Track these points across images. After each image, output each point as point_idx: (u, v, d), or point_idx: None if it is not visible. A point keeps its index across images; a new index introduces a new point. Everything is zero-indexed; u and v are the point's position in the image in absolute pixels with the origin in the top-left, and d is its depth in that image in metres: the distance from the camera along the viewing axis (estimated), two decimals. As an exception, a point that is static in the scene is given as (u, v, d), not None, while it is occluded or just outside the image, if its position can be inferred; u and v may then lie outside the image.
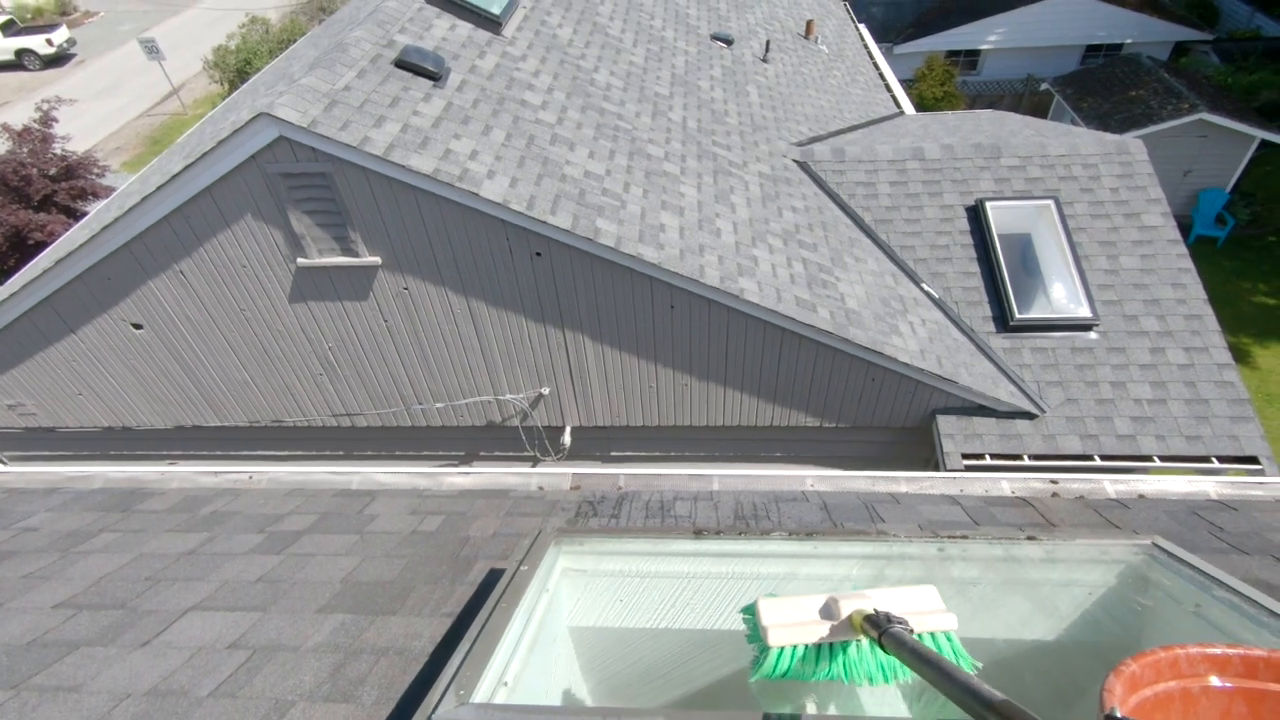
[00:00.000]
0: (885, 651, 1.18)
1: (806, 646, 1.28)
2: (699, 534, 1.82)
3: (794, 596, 1.36)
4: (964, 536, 1.76)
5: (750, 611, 1.41)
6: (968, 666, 1.25)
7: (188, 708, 1.51)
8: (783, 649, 1.27)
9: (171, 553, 2.30)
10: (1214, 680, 0.94)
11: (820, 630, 1.28)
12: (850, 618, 1.27)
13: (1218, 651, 0.95)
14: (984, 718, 0.88)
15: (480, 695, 1.22)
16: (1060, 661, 1.59)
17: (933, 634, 1.27)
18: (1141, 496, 2.70)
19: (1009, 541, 1.73)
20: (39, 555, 2.31)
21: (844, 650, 1.28)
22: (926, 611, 1.30)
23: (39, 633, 1.85)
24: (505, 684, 1.32)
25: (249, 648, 1.73)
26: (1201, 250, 13.71)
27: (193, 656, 1.70)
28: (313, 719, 1.46)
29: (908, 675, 1.25)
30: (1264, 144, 13.37)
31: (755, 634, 1.36)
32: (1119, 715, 0.80)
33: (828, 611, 1.30)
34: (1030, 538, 1.72)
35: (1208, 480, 2.78)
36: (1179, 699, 0.93)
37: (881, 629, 1.19)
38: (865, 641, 1.27)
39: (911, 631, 1.18)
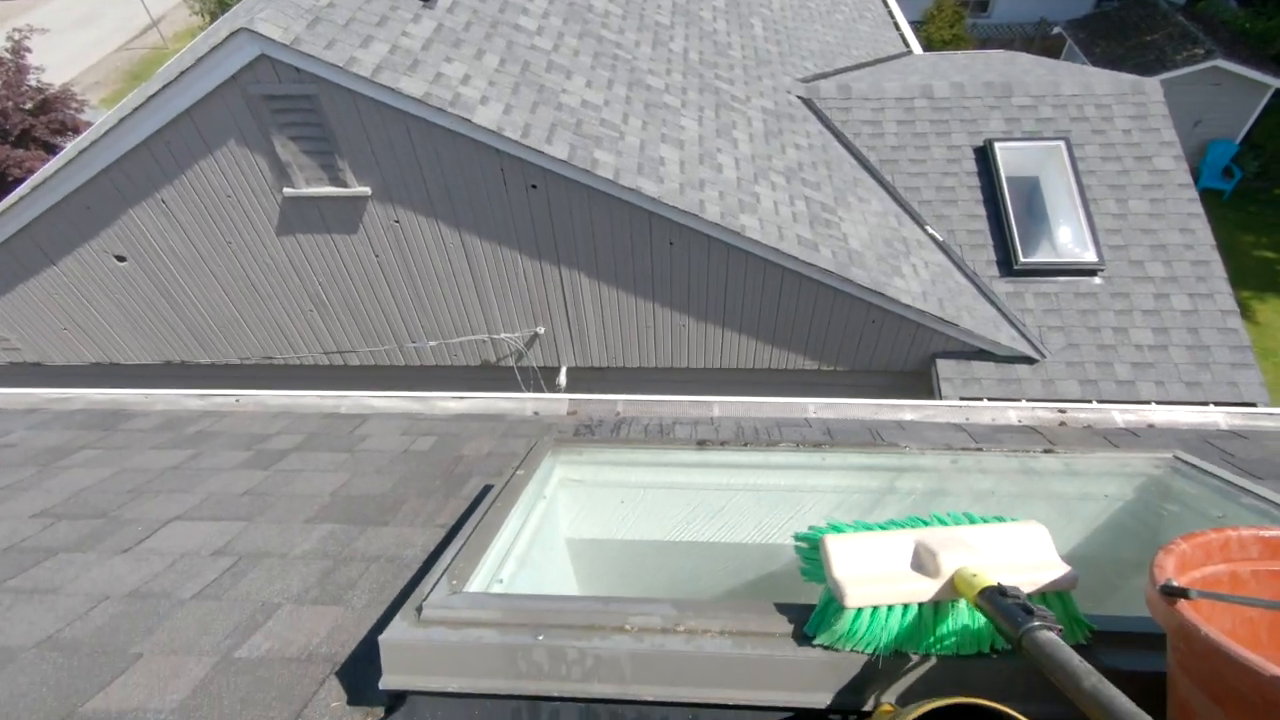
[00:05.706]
0: (1015, 647, 0.83)
1: (892, 608, 0.95)
2: (702, 445, 1.74)
3: (869, 535, 1.02)
4: (979, 449, 1.69)
5: (808, 541, 1.08)
6: (1081, 635, 1.01)
7: (169, 608, 1.45)
8: (861, 611, 0.95)
9: (155, 467, 2.23)
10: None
11: (911, 588, 0.95)
12: (954, 580, 0.94)
13: (1272, 534, 0.88)
14: None
15: (474, 587, 1.15)
16: (1086, 568, 1.55)
17: (1044, 595, 0.98)
18: (1151, 426, 2.65)
19: (1025, 454, 1.66)
20: (16, 469, 2.23)
21: (942, 618, 0.95)
22: (1038, 564, 1.00)
23: (15, 540, 1.78)
24: (500, 581, 1.26)
25: (234, 554, 1.67)
26: (1207, 203, 13.45)
27: (175, 562, 1.64)
28: (300, 620, 1.40)
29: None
30: (1277, 94, 13.03)
31: (816, 570, 1.05)
32: (1175, 584, 0.73)
33: (919, 562, 0.98)
34: (1047, 450, 1.66)
35: (1217, 411, 2.73)
36: (1227, 583, 0.86)
37: (1018, 625, 0.82)
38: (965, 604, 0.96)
39: (1050, 627, 0.81)
